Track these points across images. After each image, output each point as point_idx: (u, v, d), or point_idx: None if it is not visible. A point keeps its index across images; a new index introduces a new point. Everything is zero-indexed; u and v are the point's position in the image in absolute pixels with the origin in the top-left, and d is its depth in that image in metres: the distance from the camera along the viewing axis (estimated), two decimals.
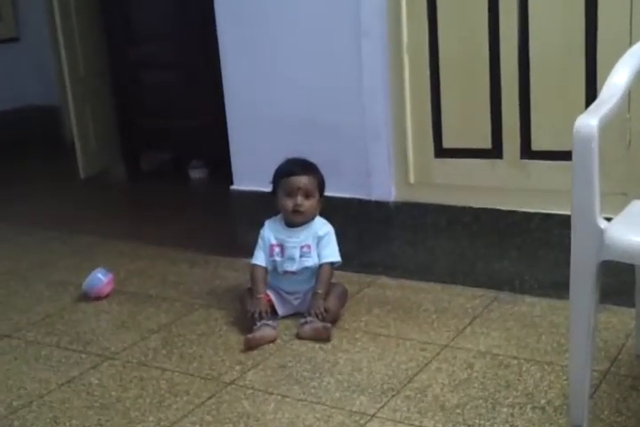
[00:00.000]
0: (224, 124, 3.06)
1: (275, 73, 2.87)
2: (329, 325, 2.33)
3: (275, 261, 2.48)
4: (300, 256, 2.46)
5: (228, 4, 2.91)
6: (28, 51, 5.74)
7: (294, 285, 2.50)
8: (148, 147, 4.70)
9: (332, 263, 2.47)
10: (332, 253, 2.48)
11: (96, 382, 2.18)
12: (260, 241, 2.51)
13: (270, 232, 2.50)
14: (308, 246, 2.47)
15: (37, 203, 4.19)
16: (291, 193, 2.43)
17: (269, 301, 2.46)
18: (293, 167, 2.46)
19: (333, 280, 2.49)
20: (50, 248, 3.41)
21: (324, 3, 2.72)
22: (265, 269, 2.50)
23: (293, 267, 2.47)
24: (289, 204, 2.44)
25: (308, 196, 2.44)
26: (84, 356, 2.34)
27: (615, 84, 1.72)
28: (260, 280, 2.47)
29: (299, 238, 2.47)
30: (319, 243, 2.47)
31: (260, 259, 2.49)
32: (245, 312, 2.42)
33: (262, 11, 2.84)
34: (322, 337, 2.31)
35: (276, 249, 2.48)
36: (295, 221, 2.47)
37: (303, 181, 2.44)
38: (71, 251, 3.34)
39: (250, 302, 2.43)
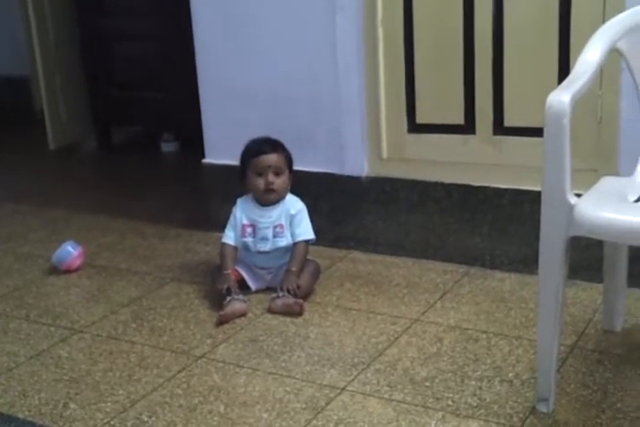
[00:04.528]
0: (196, 97, 3.03)
1: (248, 46, 2.84)
2: (301, 300, 2.34)
3: (247, 241, 2.47)
4: (274, 236, 2.46)
5: None
6: None
7: (267, 261, 2.50)
8: (119, 119, 4.65)
9: (306, 241, 2.47)
10: (306, 231, 2.47)
11: (65, 355, 2.17)
12: (231, 219, 2.50)
13: (242, 212, 2.49)
14: (281, 226, 2.46)
15: (6, 175, 4.14)
16: (261, 172, 2.42)
17: (237, 276, 2.46)
18: (260, 146, 2.44)
19: (307, 256, 2.49)
20: (19, 221, 3.37)
21: None
22: (234, 247, 2.49)
23: (267, 247, 2.46)
24: (261, 183, 2.42)
25: (278, 173, 2.43)
26: (53, 329, 2.33)
27: (587, 60, 1.72)
28: (227, 257, 2.46)
29: (271, 218, 2.46)
30: (292, 221, 2.47)
31: (229, 238, 2.48)
32: (215, 289, 2.42)
33: None
34: (294, 311, 2.31)
35: (248, 229, 2.47)
36: (269, 199, 2.45)
37: (272, 158, 2.42)
38: (40, 224, 3.31)
39: (218, 278, 2.43)
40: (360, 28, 2.64)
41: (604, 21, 1.92)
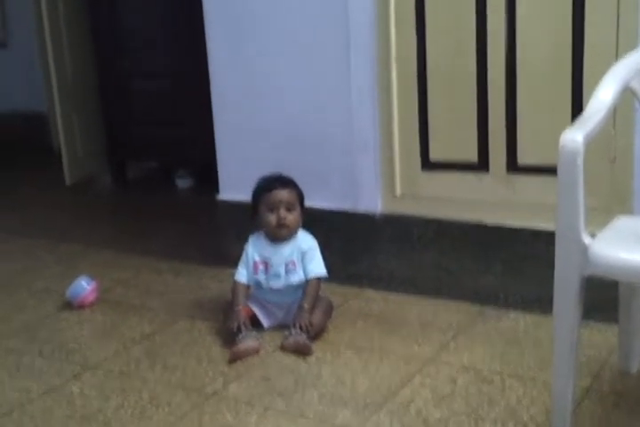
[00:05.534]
0: (211, 133, 3.06)
1: (263, 84, 2.87)
2: (309, 342, 2.32)
3: (259, 278, 2.48)
4: (286, 273, 2.46)
5: (218, 15, 2.91)
6: (17, 57, 5.73)
7: (280, 297, 2.49)
8: (134, 155, 4.70)
9: (318, 278, 2.47)
10: (318, 268, 2.47)
11: (77, 391, 2.16)
12: (243, 256, 2.51)
13: (254, 249, 2.50)
14: (293, 263, 2.46)
15: (22, 210, 4.17)
16: (273, 208, 2.43)
17: (249, 312, 2.45)
18: (272, 182, 2.46)
19: (319, 293, 2.49)
20: (34, 256, 3.39)
21: (313, 16, 2.73)
22: (247, 285, 2.49)
23: (279, 284, 2.47)
24: (273, 218, 2.43)
25: (289, 209, 2.44)
26: (65, 365, 2.32)
27: (601, 99, 1.73)
28: (239, 294, 2.46)
29: (283, 255, 2.46)
30: (304, 258, 2.47)
31: (242, 275, 2.49)
32: (226, 326, 2.42)
33: (252, 23, 2.85)
34: (303, 352, 2.30)
35: (261, 267, 2.48)
36: (281, 234, 2.46)
37: (284, 194, 2.44)
38: (55, 259, 3.32)
39: (229, 315, 2.43)
40: (374, 65, 2.66)
41: (616, 58, 1.93)
